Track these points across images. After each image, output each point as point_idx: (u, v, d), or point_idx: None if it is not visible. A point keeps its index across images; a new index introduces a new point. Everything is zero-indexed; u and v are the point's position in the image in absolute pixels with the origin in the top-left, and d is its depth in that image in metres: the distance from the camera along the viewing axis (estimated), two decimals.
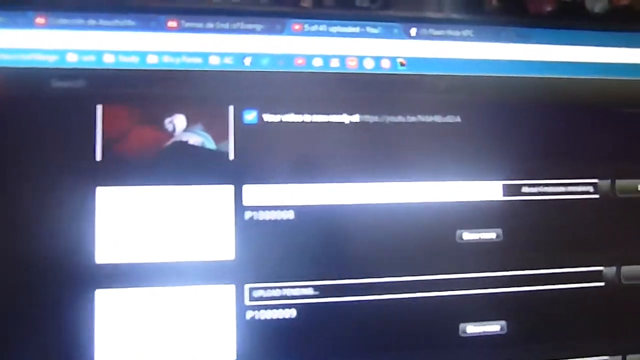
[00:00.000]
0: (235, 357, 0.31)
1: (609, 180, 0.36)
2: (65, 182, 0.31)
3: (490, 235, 0.34)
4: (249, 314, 0.31)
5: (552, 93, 0.36)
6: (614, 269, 0.36)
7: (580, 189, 0.36)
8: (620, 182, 0.36)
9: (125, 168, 0.31)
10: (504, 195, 0.35)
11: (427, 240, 0.34)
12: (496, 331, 0.34)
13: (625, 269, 0.36)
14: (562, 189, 0.36)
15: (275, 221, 0.32)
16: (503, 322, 0.34)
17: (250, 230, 0.32)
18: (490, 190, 0.35)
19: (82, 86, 0.32)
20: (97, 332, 0.30)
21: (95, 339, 0.30)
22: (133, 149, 0.32)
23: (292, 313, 0.32)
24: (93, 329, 0.30)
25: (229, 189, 0.32)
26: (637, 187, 0.37)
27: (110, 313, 0.30)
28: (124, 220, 0.31)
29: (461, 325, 0.34)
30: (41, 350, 0.30)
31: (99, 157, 0.31)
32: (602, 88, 0.37)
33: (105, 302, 0.30)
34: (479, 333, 0.34)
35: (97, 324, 0.30)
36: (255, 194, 0.32)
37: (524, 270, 0.35)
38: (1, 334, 0.30)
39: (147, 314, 0.31)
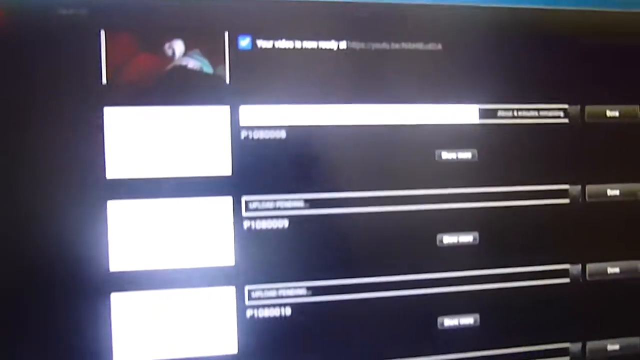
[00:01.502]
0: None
1: (579, 106, 0.39)
2: (73, 105, 0.33)
3: (466, 155, 0.38)
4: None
5: (529, 23, 0.38)
6: (578, 187, 0.39)
7: (552, 113, 0.39)
8: (589, 108, 0.39)
9: (130, 90, 0.34)
10: (480, 118, 0.38)
11: (408, 158, 0.37)
12: (469, 241, 0.38)
13: (590, 188, 0.39)
14: (534, 113, 0.39)
15: (268, 140, 0.35)
16: (476, 233, 0.38)
17: (245, 148, 0.35)
18: (468, 114, 0.38)
19: (86, 13, 0.34)
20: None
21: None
22: (136, 73, 0.34)
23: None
24: (107, 236, 0.34)
25: (226, 110, 0.35)
26: (605, 113, 0.40)
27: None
28: (130, 139, 0.34)
29: (438, 236, 0.37)
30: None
31: (104, 80, 0.34)
32: (576, 18, 0.39)
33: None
34: (455, 243, 0.38)
35: (110, 232, 0.34)
36: (249, 114, 0.35)
37: (496, 187, 0.38)
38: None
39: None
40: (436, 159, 0.37)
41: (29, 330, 0.33)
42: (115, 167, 0.34)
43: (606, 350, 0.40)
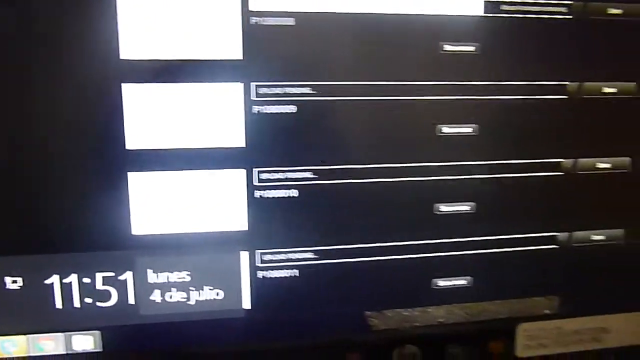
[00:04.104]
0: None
1: (582, 3, 0.40)
2: None
3: (469, 48, 0.39)
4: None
5: None
6: (577, 85, 0.41)
7: (555, 9, 0.39)
8: (591, 5, 0.40)
9: None
10: (485, 12, 0.38)
11: (411, 49, 0.38)
12: (469, 132, 0.40)
13: (587, 85, 0.41)
14: (537, 8, 0.39)
15: (277, 27, 0.36)
16: (475, 126, 0.40)
17: (256, 34, 0.36)
18: (472, 6, 0.38)
19: None
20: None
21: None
22: None
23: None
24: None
25: None
26: (606, 11, 0.40)
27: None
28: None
29: (437, 127, 0.39)
30: None
31: None
32: None
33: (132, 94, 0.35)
34: (454, 134, 0.39)
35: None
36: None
37: (497, 81, 0.39)
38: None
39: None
40: (439, 51, 0.38)
41: (57, 204, 0.36)
42: (130, 48, 0.35)
43: (589, 239, 0.43)
